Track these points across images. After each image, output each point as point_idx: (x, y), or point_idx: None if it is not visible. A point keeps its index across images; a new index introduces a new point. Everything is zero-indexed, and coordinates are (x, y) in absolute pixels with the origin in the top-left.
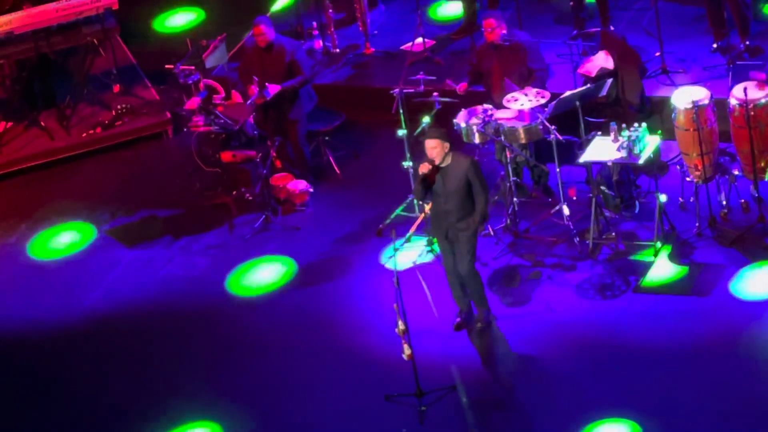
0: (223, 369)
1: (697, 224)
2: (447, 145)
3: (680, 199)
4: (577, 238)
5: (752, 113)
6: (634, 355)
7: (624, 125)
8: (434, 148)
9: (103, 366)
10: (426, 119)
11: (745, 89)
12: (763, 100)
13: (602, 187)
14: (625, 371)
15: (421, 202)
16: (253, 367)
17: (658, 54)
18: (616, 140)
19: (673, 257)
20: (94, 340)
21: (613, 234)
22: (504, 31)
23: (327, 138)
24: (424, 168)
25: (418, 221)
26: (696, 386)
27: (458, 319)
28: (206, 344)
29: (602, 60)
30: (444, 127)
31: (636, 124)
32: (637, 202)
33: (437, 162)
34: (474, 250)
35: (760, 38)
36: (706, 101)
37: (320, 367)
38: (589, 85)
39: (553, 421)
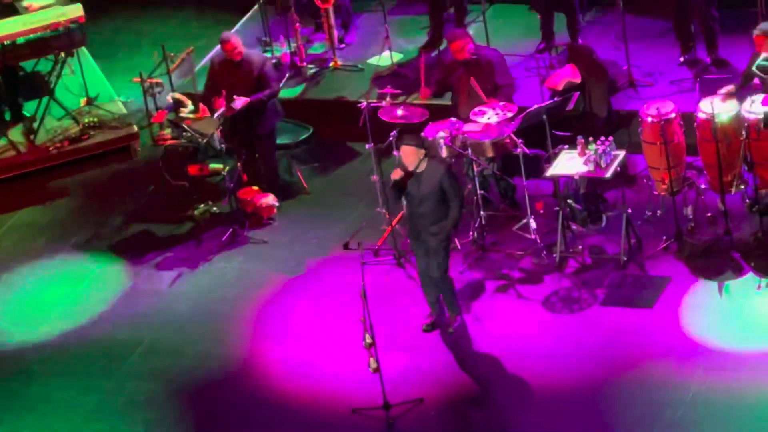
0: (186, 382)
1: (664, 237)
2: (422, 152)
3: (647, 212)
4: (544, 252)
5: (718, 126)
6: (599, 367)
7: (591, 139)
8: (409, 156)
9: (68, 380)
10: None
11: (711, 103)
12: (729, 114)
13: (569, 201)
14: (590, 384)
15: (388, 217)
16: (216, 380)
17: (625, 68)
18: (583, 154)
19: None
20: (59, 353)
21: (580, 247)
22: (471, 46)
23: (295, 151)
24: (396, 174)
25: (386, 234)
26: (657, 399)
27: (428, 321)
28: (171, 357)
29: (569, 73)
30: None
31: (603, 138)
32: (604, 216)
33: (411, 168)
34: (447, 255)
35: (726, 51)
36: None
37: (286, 380)
38: (556, 99)
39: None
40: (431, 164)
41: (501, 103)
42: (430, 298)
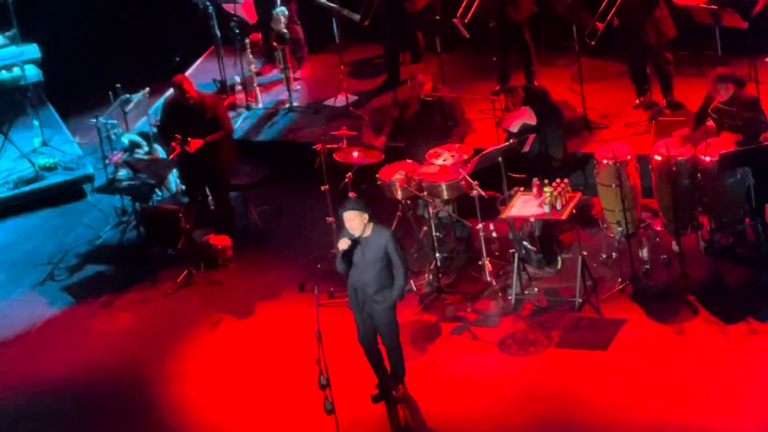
0: (141, 422)
1: (619, 279)
2: (366, 216)
3: (603, 254)
4: (500, 294)
5: (674, 169)
6: (555, 409)
7: (547, 181)
8: (353, 220)
9: (24, 423)
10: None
11: (667, 145)
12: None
13: (525, 243)
14: (546, 426)
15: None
16: (172, 419)
17: (581, 110)
18: (538, 196)
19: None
20: (14, 394)
21: (536, 289)
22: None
23: (249, 193)
24: (344, 244)
25: None
26: None
27: (376, 391)
28: (126, 397)
29: (525, 115)
30: (366, 183)
31: (559, 180)
32: (559, 258)
33: (357, 234)
34: (395, 323)
35: (682, 94)
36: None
37: (240, 422)
38: (511, 141)
39: None
40: (375, 229)
41: (456, 145)
42: (374, 365)
